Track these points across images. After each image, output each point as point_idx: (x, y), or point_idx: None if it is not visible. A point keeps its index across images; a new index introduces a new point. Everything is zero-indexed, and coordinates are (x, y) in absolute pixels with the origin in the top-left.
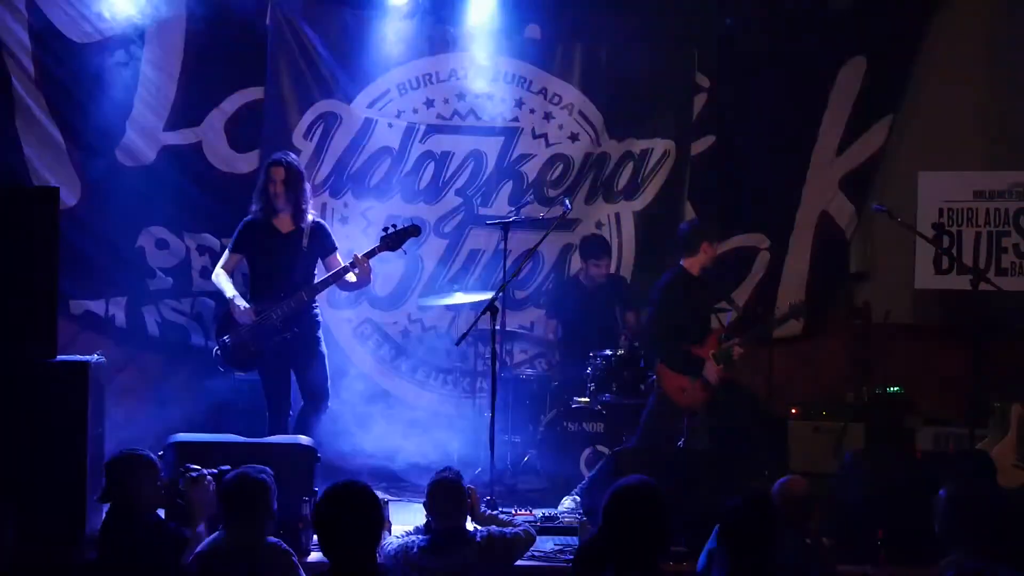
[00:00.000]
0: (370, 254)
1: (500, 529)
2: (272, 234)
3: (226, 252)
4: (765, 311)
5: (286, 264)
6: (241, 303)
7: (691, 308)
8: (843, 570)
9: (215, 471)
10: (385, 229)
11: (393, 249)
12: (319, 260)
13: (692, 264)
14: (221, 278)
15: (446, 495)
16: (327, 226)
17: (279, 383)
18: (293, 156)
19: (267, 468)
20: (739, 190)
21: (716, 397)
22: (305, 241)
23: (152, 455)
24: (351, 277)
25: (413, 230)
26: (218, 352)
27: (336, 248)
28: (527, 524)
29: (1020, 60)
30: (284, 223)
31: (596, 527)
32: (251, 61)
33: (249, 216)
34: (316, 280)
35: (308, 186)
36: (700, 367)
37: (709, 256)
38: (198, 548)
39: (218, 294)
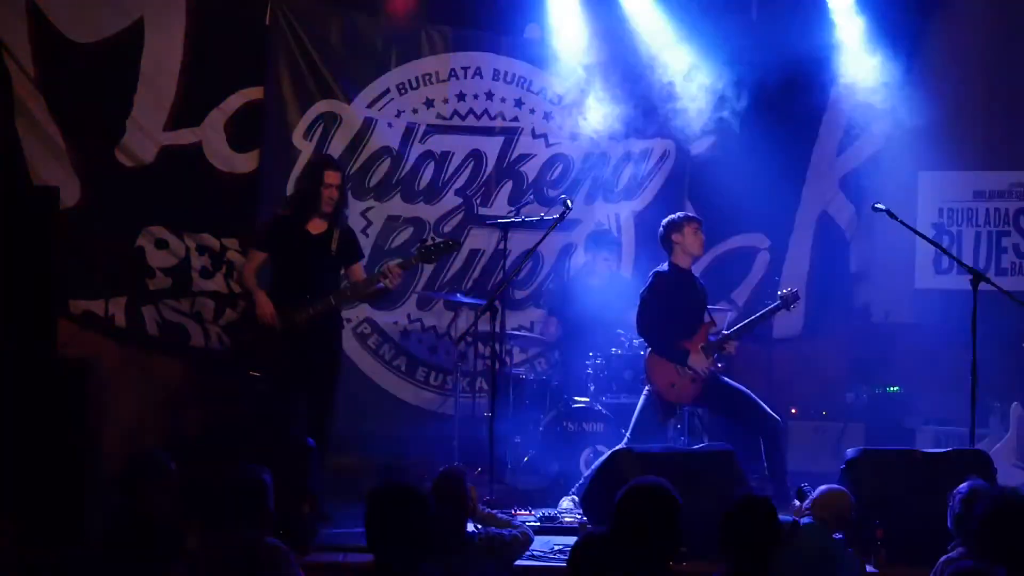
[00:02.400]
0: (405, 265)
1: (498, 530)
2: (302, 235)
3: (251, 251)
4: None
5: (314, 266)
6: (267, 303)
7: (677, 300)
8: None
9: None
10: (423, 241)
11: (431, 262)
12: (343, 267)
13: (678, 259)
14: (247, 276)
15: (448, 494)
16: (355, 234)
17: (293, 387)
18: None
19: (265, 468)
20: (739, 190)
21: (706, 391)
22: (334, 246)
23: (168, 460)
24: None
25: (453, 245)
26: (234, 348)
27: (363, 257)
28: (525, 525)
29: (1019, 60)
30: (317, 225)
31: (595, 527)
32: (251, 61)
33: (276, 214)
34: (345, 287)
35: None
36: (685, 356)
37: (689, 242)
38: (195, 548)
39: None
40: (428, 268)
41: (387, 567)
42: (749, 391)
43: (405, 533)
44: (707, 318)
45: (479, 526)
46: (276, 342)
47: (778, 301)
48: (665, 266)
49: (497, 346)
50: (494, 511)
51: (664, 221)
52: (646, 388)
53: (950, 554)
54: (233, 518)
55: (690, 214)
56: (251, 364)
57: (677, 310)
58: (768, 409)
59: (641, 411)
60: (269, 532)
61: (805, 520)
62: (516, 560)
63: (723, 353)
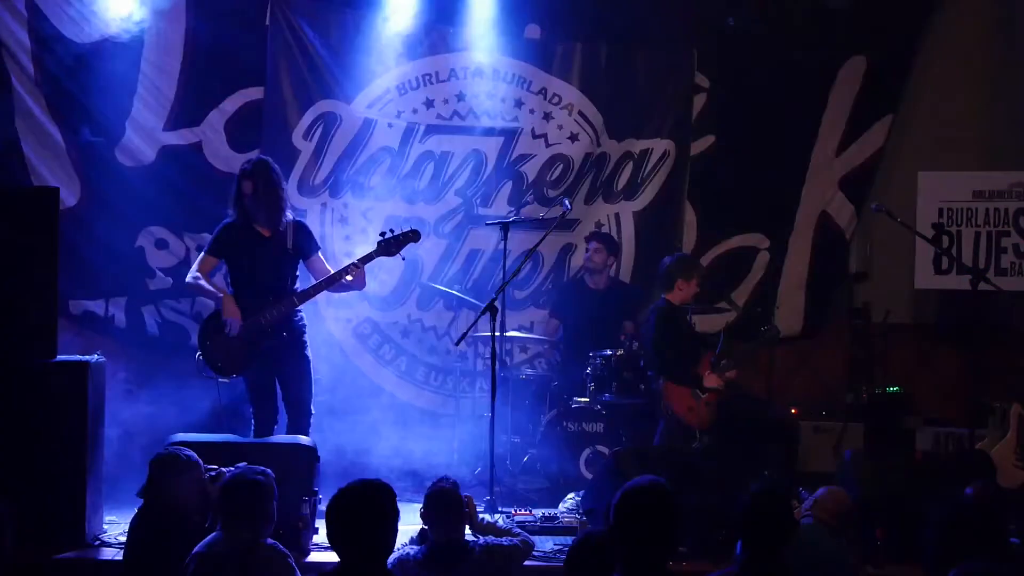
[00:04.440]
0: (366, 259)
1: (497, 539)
2: (254, 238)
3: (201, 255)
4: (764, 311)
5: (272, 268)
6: (232, 304)
7: (680, 332)
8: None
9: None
10: (383, 234)
11: (391, 255)
12: (301, 261)
13: (673, 297)
14: (203, 281)
15: (443, 505)
16: (308, 225)
17: (266, 390)
18: (264, 161)
19: (267, 469)
20: (739, 190)
21: (722, 412)
22: (289, 243)
23: (195, 456)
24: (347, 278)
25: (413, 235)
26: (200, 358)
27: (319, 248)
28: (525, 533)
29: (1019, 60)
30: (265, 228)
31: (595, 527)
32: (251, 61)
33: (227, 219)
34: (308, 284)
35: (284, 187)
36: (700, 380)
37: (686, 292)
38: (195, 548)
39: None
40: (428, 268)
41: (353, 567)
42: (758, 403)
43: (367, 531)
44: (703, 349)
45: (478, 536)
46: (244, 346)
47: (761, 338)
48: (662, 302)
49: (497, 346)
50: (494, 520)
51: (675, 259)
52: (664, 414)
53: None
54: (233, 518)
55: (700, 267)
56: (220, 370)
57: (682, 340)
58: (782, 413)
59: (661, 438)
60: (269, 533)
61: (805, 521)
62: (518, 568)
63: (727, 379)
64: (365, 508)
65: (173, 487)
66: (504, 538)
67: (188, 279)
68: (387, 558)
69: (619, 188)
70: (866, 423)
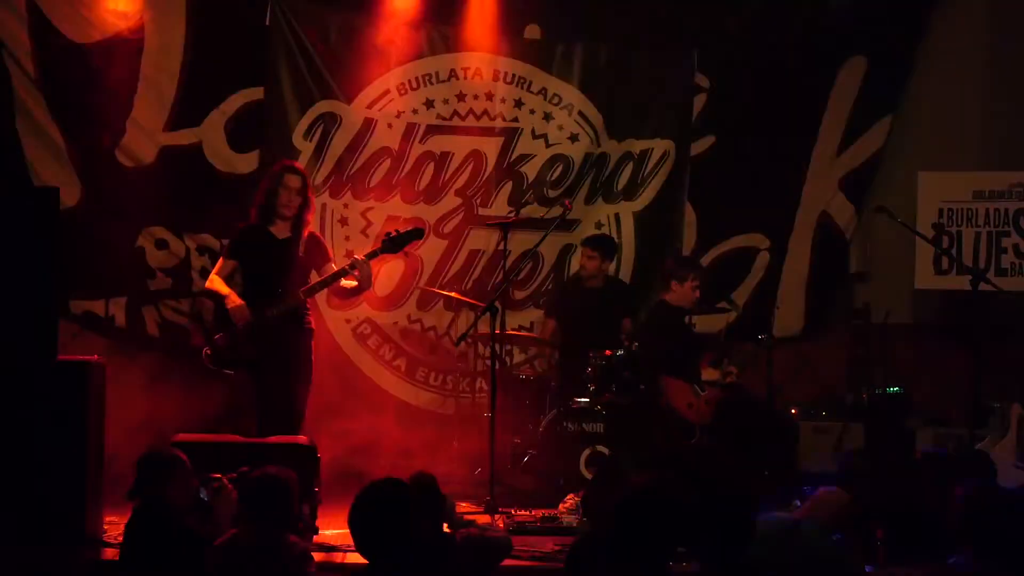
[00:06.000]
0: (371, 255)
1: (480, 530)
2: (267, 238)
3: (221, 259)
4: (766, 312)
5: (281, 269)
6: (237, 300)
7: (677, 335)
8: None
9: (234, 475)
10: (388, 233)
11: (395, 252)
12: (312, 271)
13: (670, 298)
14: (216, 282)
15: (422, 497)
16: (323, 239)
17: (269, 387)
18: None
19: (290, 470)
20: (739, 190)
21: (721, 411)
22: (301, 250)
23: (180, 455)
24: (351, 281)
25: (416, 233)
26: (208, 351)
27: (331, 260)
28: (504, 533)
29: (1020, 60)
30: (281, 229)
31: (595, 527)
32: (251, 61)
33: (245, 221)
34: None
35: (312, 196)
36: (699, 376)
37: (680, 294)
38: (217, 541)
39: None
40: (428, 268)
41: (381, 568)
42: (757, 402)
43: (392, 531)
44: (701, 349)
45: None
46: (248, 340)
47: (758, 344)
48: (660, 302)
49: (497, 346)
50: (472, 518)
51: (672, 260)
52: (660, 419)
53: (956, 557)
54: (254, 516)
55: (698, 269)
56: (224, 363)
57: (679, 340)
58: (782, 412)
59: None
60: (291, 530)
61: (804, 521)
62: (498, 562)
63: (727, 380)
64: (381, 508)
65: (161, 486)
66: (487, 533)
67: (207, 283)
68: (407, 552)
69: (619, 188)
70: (866, 423)
